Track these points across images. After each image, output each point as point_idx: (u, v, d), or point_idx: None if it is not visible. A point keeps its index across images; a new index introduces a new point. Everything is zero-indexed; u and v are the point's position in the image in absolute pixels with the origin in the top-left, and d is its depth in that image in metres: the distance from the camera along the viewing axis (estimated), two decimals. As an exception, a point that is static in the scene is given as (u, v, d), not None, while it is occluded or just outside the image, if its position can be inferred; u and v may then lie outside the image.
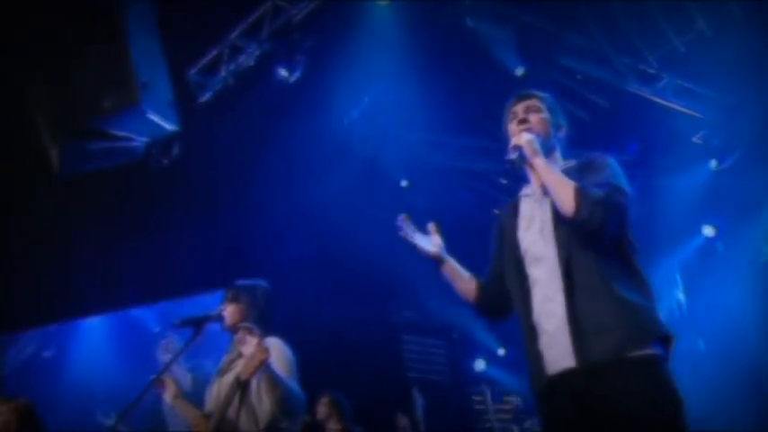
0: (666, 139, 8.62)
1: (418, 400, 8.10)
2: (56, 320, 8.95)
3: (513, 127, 2.98)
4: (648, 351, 2.54)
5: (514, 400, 10.67)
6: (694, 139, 8.82)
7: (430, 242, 3.07)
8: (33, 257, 8.47)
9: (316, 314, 8.28)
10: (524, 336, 2.83)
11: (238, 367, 3.65)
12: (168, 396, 3.98)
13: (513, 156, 2.83)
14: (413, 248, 3.08)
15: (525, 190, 3.03)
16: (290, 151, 8.33)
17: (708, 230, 9.36)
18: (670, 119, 8.50)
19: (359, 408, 7.03)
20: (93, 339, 8.94)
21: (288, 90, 7.73)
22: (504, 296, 3.03)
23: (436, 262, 3.09)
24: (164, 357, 8.50)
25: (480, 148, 9.39)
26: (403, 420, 8.06)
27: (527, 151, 2.80)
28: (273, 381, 3.45)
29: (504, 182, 2.95)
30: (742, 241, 9.57)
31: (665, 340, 2.61)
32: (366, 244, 8.64)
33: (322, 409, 6.67)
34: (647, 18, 7.86)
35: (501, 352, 11.31)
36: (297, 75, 7.64)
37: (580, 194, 2.60)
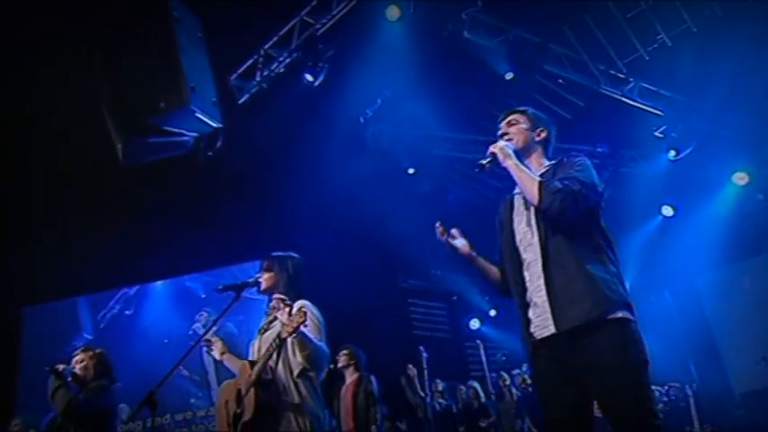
0: (632, 133, 8.65)
1: (423, 354, 8.12)
2: (133, 284, 9.40)
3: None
4: (612, 316, 2.61)
5: (503, 353, 10.80)
6: (656, 133, 8.82)
7: (462, 244, 3.09)
8: (112, 233, 8.58)
9: (337, 281, 8.26)
10: (519, 309, 2.87)
11: (277, 327, 3.67)
12: (216, 353, 4.00)
13: (483, 161, 2.96)
14: (451, 249, 3.08)
15: (517, 189, 3.02)
16: (314, 144, 8.35)
17: (667, 210, 9.39)
18: (636, 116, 8.55)
19: (373, 360, 7.05)
20: (158, 301, 9.42)
21: (313, 93, 7.71)
22: None
23: (468, 259, 3.10)
24: (199, 330, 8.77)
25: (477, 142, 9.19)
26: (412, 370, 8.11)
27: (499, 156, 2.89)
28: (304, 339, 3.49)
29: (477, 170, 2.91)
30: (695, 218, 9.67)
31: (627, 307, 2.66)
32: (378, 222, 8.68)
33: (342, 359, 6.71)
34: (618, 31, 7.90)
35: (492, 313, 11.30)
36: (320, 79, 7.59)
37: (542, 187, 2.72)
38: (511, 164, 2.86)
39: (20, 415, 6.48)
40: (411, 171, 9.39)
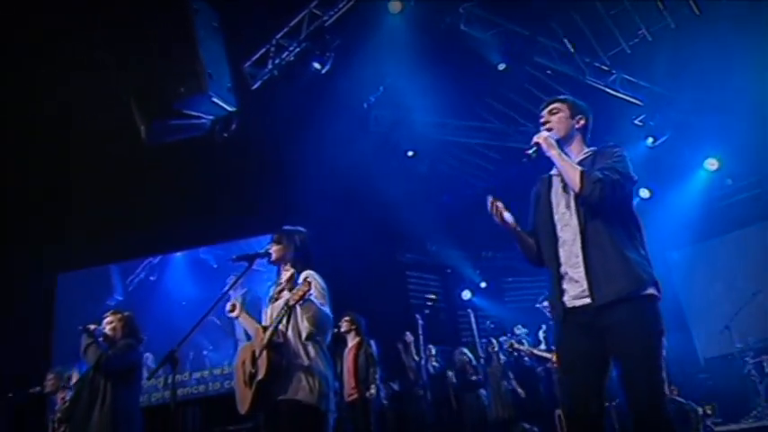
0: (614, 121, 8.65)
1: (419, 321, 8.21)
2: (156, 254, 9.62)
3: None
4: (643, 293, 2.70)
5: (492, 321, 10.86)
6: (636, 122, 8.83)
7: (509, 217, 3.04)
8: (138, 209, 8.63)
9: (341, 254, 8.25)
10: (553, 278, 2.91)
11: (286, 295, 3.70)
12: (235, 312, 3.99)
13: (530, 151, 2.95)
14: (500, 221, 3.00)
15: (554, 170, 3.04)
16: (321, 127, 8.31)
17: (644, 192, 9.41)
18: (617, 105, 8.53)
19: (373, 325, 7.12)
20: (177, 269, 9.64)
21: (320, 80, 7.65)
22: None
23: (513, 231, 3.06)
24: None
25: (471, 127, 9.36)
26: (409, 337, 8.15)
27: (543, 146, 2.91)
28: (309, 305, 3.55)
29: (525, 160, 2.91)
30: (669, 200, 9.72)
31: (655, 285, 2.74)
32: (379, 200, 8.72)
33: (344, 324, 6.80)
34: (602, 26, 7.87)
35: (483, 285, 11.28)
36: (327, 67, 7.53)
37: (583, 176, 2.76)
38: (554, 153, 2.89)
39: (54, 368, 6.57)
40: (410, 153, 9.38)
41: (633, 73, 8.48)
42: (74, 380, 5.65)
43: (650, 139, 8.82)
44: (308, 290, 3.50)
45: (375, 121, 8.82)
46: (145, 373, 5.48)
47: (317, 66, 7.55)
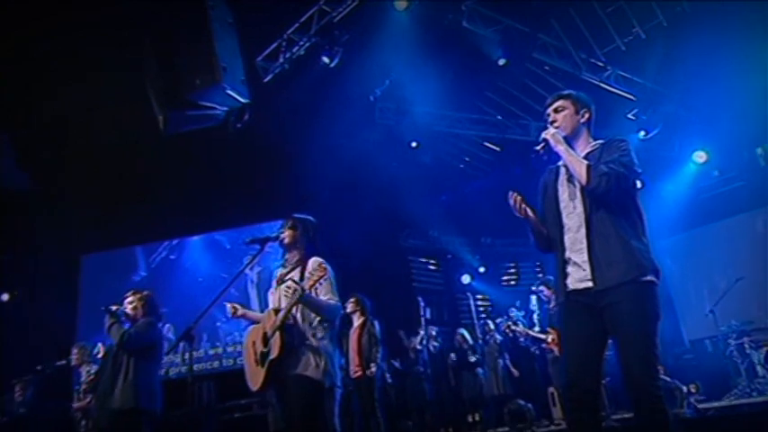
0: (608, 115, 8.65)
1: (421, 303, 8.24)
2: (176, 237, 9.78)
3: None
4: (643, 279, 2.71)
5: (489, 303, 10.92)
6: (629, 116, 8.81)
7: (529, 209, 3.04)
8: (159, 196, 8.69)
9: (348, 239, 8.31)
10: (558, 262, 2.93)
11: (296, 277, 3.75)
12: (239, 313, 4.05)
13: (538, 147, 2.96)
14: (520, 212, 2.99)
15: (561, 161, 3.02)
16: (329, 118, 8.32)
17: (635, 183, 9.45)
18: (612, 100, 8.50)
19: (378, 307, 7.15)
20: (194, 250, 9.83)
21: (329, 73, 7.69)
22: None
23: (531, 221, 3.05)
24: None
25: (472, 119, 9.34)
26: (414, 342, 8.18)
27: (551, 142, 2.93)
28: (316, 304, 3.64)
29: (533, 155, 2.91)
30: (660, 190, 9.73)
31: (655, 272, 2.75)
32: (384, 188, 8.76)
33: (350, 305, 6.80)
34: (598, 23, 7.84)
35: (481, 270, 11.31)
36: (336, 62, 7.54)
37: (589, 170, 2.79)
38: (562, 149, 2.91)
39: (79, 343, 6.65)
40: (414, 144, 9.39)
41: (627, 69, 8.46)
42: (101, 351, 5.71)
43: (642, 133, 8.78)
44: (323, 275, 3.55)
45: (380, 113, 8.81)
46: (166, 345, 5.55)
47: (325, 60, 7.56)
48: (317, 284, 3.61)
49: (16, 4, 6.17)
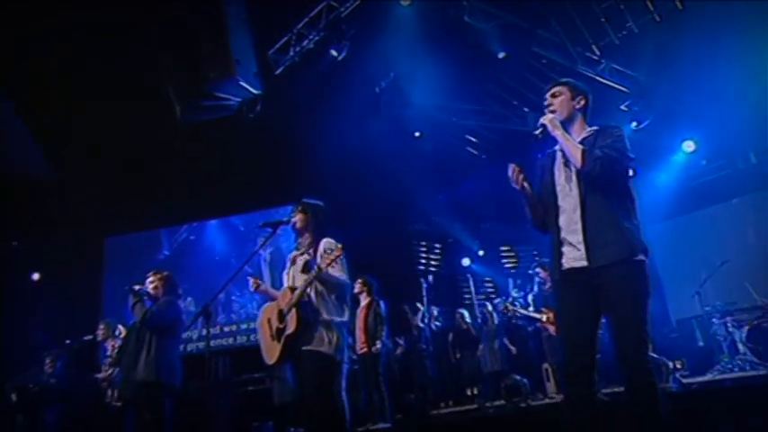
0: (602, 106, 8.65)
1: (423, 284, 8.28)
2: (195, 220, 9.94)
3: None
4: (634, 258, 2.72)
5: (489, 286, 10.96)
6: (622, 107, 8.75)
7: (527, 184, 3.02)
8: (180, 182, 8.77)
9: (356, 223, 8.03)
10: (553, 243, 2.92)
11: (308, 258, 3.84)
12: (261, 288, 4.07)
13: (537, 132, 2.95)
14: (519, 185, 2.97)
15: (558, 146, 3.01)
16: (337, 109, 8.30)
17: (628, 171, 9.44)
18: (606, 92, 8.43)
19: (383, 288, 7.21)
20: (212, 232, 10.01)
21: (337, 66, 7.69)
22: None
23: (527, 196, 3.03)
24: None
25: (473, 110, 9.26)
26: (417, 314, 8.24)
27: (549, 127, 2.91)
28: (332, 280, 3.72)
29: (533, 140, 2.90)
30: (651, 178, 9.74)
31: (645, 251, 2.76)
32: (390, 175, 8.74)
33: (357, 286, 6.87)
34: (593, 18, 7.75)
35: (481, 253, 11.30)
36: (343, 55, 7.56)
37: (585, 154, 2.78)
38: (559, 133, 2.90)
39: (105, 319, 6.76)
40: (417, 134, 9.37)
41: (621, 62, 8.41)
42: (122, 332, 5.80)
43: (634, 123, 8.76)
44: (340, 254, 3.61)
45: (386, 104, 8.73)
46: (188, 317, 5.63)
47: (333, 53, 7.59)
48: (326, 275, 3.66)
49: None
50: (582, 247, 2.79)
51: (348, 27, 7.60)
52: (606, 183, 2.79)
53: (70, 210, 8.65)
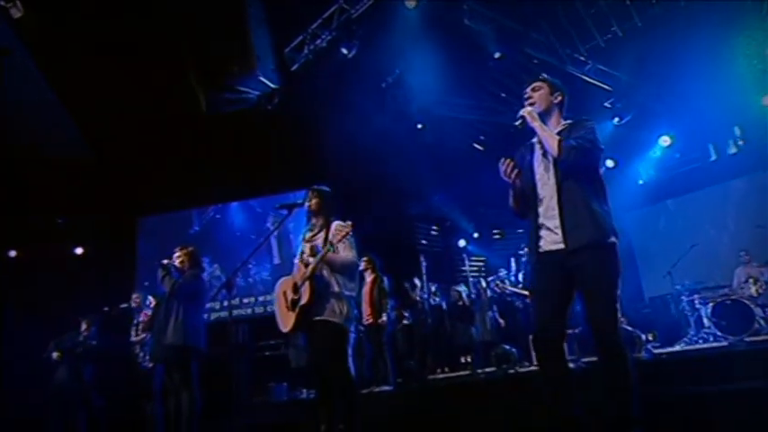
0: (588, 103, 8.59)
1: (423, 263, 8.29)
2: (220, 202, 10.02)
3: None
4: (606, 241, 2.70)
5: (482, 264, 10.98)
6: (605, 104, 8.75)
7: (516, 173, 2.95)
8: (205, 167, 8.78)
9: (363, 206, 8.32)
10: (532, 228, 2.88)
11: (321, 237, 3.86)
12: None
13: (517, 122, 2.91)
14: (508, 174, 2.90)
15: (535, 138, 2.98)
16: (347, 103, 8.23)
17: (609, 163, 9.42)
18: (591, 90, 8.44)
19: (387, 265, 7.25)
20: (233, 212, 10.08)
21: (347, 63, 7.66)
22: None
23: (514, 185, 2.98)
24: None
25: (470, 105, 9.23)
26: (417, 283, 8.22)
27: (528, 118, 2.87)
28: (339, 261, 3.75)
29: (513, 130, 2.85)
30: (629, 169, 9.75)
31: (616, 234, 2.74)
32: (394, 163, 8.72)
33: (363, 264, 6.88)
34: (581, 22, 7.73)
35: (476, 235, 11.31)
36: (353, 53, 7.53)
37: (561, 144, 2.75)
38: (536, 125, 2.86)
39: (138, 290, 6.86)
40: (419, 126, 9.32)
41: (605, 63, 8.36)
42: (152, 301, 5.88)
43: (617, 119, 8.75)
44: (349, 231, 3.62)
45: (391, 99, 8.72)
46: (217, 281, 5.68)
47: (344, 51, 7.54)
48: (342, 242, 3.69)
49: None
50: (559, 231, 2.76)
51: (358, 27, 7.56)
52: (580, 171, 2.77)
53: (108, 190, 8.69)
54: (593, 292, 2.69)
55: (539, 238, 2.84)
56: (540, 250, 2.82)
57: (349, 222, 3.69)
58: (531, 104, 2.95)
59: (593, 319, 2.67)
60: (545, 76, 3.09)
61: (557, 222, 2.77)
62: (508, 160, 2.92)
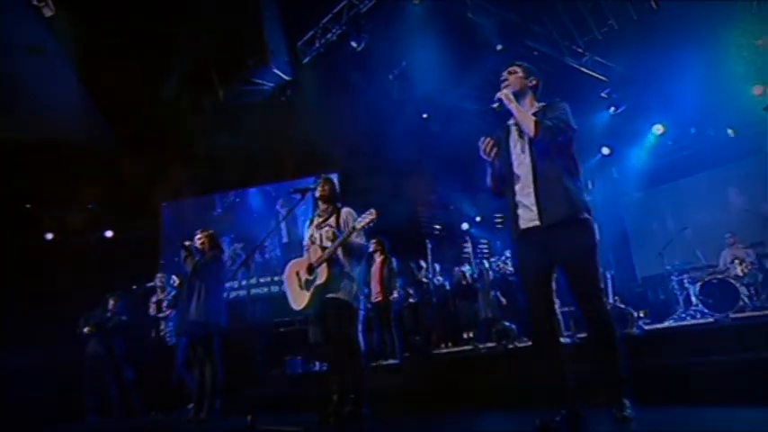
0: (585, 93, 8.56)
1: (428, 245, 8.33)
2: (239, 188, 10.12)
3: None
4: (580, 216, 2.68)
5: (485, 246, 10.97)
6: (602, 94, 8.70)
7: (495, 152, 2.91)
8: (226, 156, 8.84)
9: (370, 191, 8.22)
10: (510, 206, 2.85)
11: (332, 222, 3.92)
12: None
13: (494, 105, 2.89)
14: (488, 153, 2.86)
15: (511, 120, 2.95)
16: (356, 92, 8.26)
17: (605, 150, 9.39)
18: (588, 81, 8.38)
19: (395, 247, 7.24)
20: (251, 196, 10.21)
21: (356, 55, 7.67)
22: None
23: (492, 163, 2.96)
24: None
25: (472, 96, 9.03)
26: (422, 264, 8.29)
27: (504, 100, 2.84)
28: (353, 246, 3.82)
29: (494, 112, 2.83)
30: (624, 156, 9.70)
31: (588, 210, 2.72)
32: (400, 151, 8.66)
33: (372, 245, 6.87)
34: (580, 16, 7.67)
35: (478, 219, 11.28)
36: (362, 46, 7.55)
37: (537, 124, 2.72)
38: (513, 106, 2.84)
39: (162, 270, 6.95)
40: (425, 116, 9.30)
41: (602, 55, 8.29)
42: (176, 281, 5.96)
43: (612, 108, 8.72)
44: (374, 218, 3.65)
45: (398, 90, 8.67)
46: (238, 260, 5.75)
47: (353, 44, 7.56)
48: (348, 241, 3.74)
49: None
50: (535, 208, 2.73)
51: (366, 22, 7.57)
52: (554, 149, 2.74)
53: (136, 179, 8.76)
54: (572, 266, 2.66)
55: (516, 216, 2.81)
56: (519, 228, 2.79)
57: (373, 210, 3.71)
58: (507, 86, 2.92)
59: (575, 292, 2.65)
60: (522, 62, 3.04)
61: (532, 200, 2.74)
62: (488, 139, 2.89)
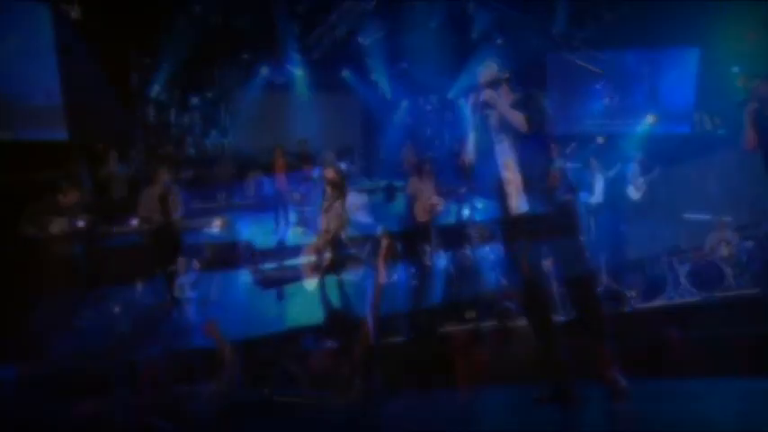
0: (582, 85, 8.55)
1: (431, 228, 8.26)
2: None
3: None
4: (564, 198, 2.67)
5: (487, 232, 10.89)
6: (597, 86, 8.60)
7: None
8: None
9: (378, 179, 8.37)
10: (498, 193, 2.81)
11: (337, 206, 4.05)
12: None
13: (479, 110, 2.81)
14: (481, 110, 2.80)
15: (491, 110, 2.80)
16: (361, 85, 8.34)
17: (600, 139, 9.36)
18: (584, 73, 8.35)
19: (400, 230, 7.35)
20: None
21: (362, 50, 7.75)
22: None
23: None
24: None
25: (475, 89, 9.13)
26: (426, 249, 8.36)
27: (490, 102, 2.76)
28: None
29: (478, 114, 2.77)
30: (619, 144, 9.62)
31: (572, 191, 2.75)
32: (405, 142, 8.76)
33: (384, 241, 7.01)
34: (576, 12, 7.69)
35: (479, 206, 11.21)
36: (368, 42, 7.64)
37: (529, 120, 2.64)
38: (500, 107, 2.76)
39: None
40: (429, 108, 9.28)
41: (598, 49, 8.20)
42: (197, 265, 6.03)
43: (607, 99, 8.57)
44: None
45: (402, 82, 8.69)
46: None
47: (359, 40, 7.59)
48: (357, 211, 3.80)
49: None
50: (519, 191, 2.71)
51: (372, 19, 7.54)
52: (536, 138, 2.71)
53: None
54: (559, 246, 2.67)
55: (504, 202, 2.78)
56: (504, 211, 2.77)
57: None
58: (485, 81, 2.84)
59: (565, 270, 2.67)
60: (494, 59, 2.99)
61: (518, 183, 2.72)
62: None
